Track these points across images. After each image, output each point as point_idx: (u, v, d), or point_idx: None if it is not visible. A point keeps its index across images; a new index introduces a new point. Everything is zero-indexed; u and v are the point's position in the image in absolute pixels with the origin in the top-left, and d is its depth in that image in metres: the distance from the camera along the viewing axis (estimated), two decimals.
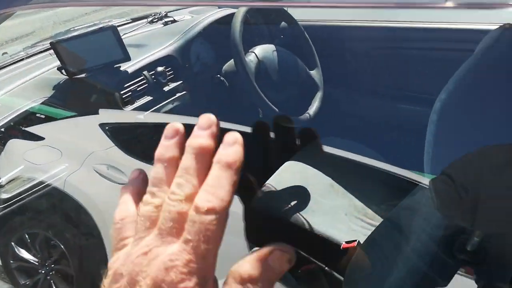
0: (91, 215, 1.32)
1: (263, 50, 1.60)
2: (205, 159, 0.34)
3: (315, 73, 1.79)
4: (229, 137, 0.34)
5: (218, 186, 0.32)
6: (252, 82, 1.49)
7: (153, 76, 1.51)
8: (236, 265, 0.34)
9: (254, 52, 1.57)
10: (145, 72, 1.49)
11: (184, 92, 1.57)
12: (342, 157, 1.39)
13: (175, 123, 0.36)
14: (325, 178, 1.18)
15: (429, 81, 1.85)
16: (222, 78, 1.60)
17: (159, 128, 1.39)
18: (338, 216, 1.09)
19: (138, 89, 1.46)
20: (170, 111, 1.51)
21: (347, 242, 1.02)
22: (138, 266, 0.32)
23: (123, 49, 1.42)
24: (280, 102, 1.60)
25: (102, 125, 1.35)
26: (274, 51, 1.63)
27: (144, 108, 1.45)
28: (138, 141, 1.34)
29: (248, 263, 0.34)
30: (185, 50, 1.62)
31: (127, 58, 1.44)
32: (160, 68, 1.51)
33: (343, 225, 1.07)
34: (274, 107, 1.54)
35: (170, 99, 1.52)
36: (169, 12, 2.05)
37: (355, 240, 1.00)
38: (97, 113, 1.38)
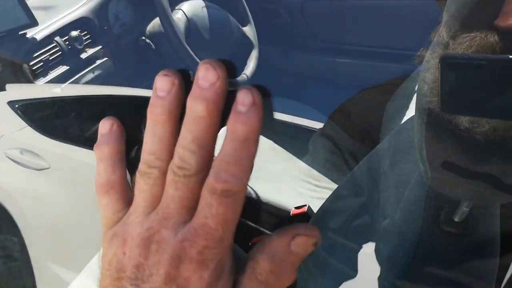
0: (7, 209, 1.16)
1: (191, 7, 1.45)
2: (214, 122, 0.28)
3: (249, 30, 1.67)
4: (244, 96, 0.27)
5: (234, 163, 0.27)
6: (182, 43, 1.34)
7: (67, 42, 1.32)
8: (256, 253, 0.30)
9: (181, 9, 1.42)
10: (57, 38, 1.29)
11: (106, 58, 1.40)
12: (281, 120, 1.32)
13: (168, 70, 0.28)
14: (266, 142, 1.11)
15: (367, 33, 1.82)
16: (147, 41, 1.44)
17: (81, 102, 1.23)
18: (284, 180, 1.03)
19: (50, 58, 1.27)
20: (91, 82, 1.34)
21: (296, 208, 0.97)
22: (145, 252, 0.28)
23: (28, 13, 1.21)
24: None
25: (11, 103, 1.17)
26: (203, 7, 1.49)
27: (60, 80, 1.27)
28: (57, 119, 1.17)
29: (267, 254, 0.30)
30: (102, 10, 1.42)
31: (33, 23, 1.23)
32: (74, 33, 1.32)
33: (290, 189, 1.01)
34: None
35: (90, 67, 1.34)
36: None
37: (305, 205, 0.95)
38: (3, 89, 1.19)
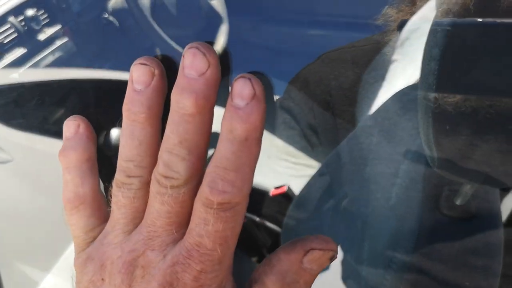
0: None
1: None
2: (205, 120, 0.24)
3: (216, 3, 1.60)
4: (242, 87, 0.22)
5: (233, 169, 0.23)
6: (148, 19, 1.27)
7: (22, 23, 1.22)
8: (262, 275, 0.25)
9: None
10: (11, 19, 1.20)
11: (66, 39, 1.31)
12: None
13: (146, 58, 0.24)
14: None
15: (340, 3, 1.77)
16: (111, 18, 1.36)
17: (42, 87, 1.15)
18: (261, 159, 0.99)
19: (5, 41, 1.18)
20: (52, 65, 1.25)
21: (276, 188, 0.95)
22: (128, 279, 0.23)
23: None
24: (182, 39, 1.41)
25: None
26: None
27: (17, 64, 1.18)
28: (16, 107, 1.09)
29: (276, 276, 0.25)
30: None
31: None
32: (30, 12, 1.23)
33: (268, 168, 0.99)
34: (177, 46, 1.34)
35: (50, 49, 1.26)
36: None
37: (284, 185, 0.94)
38: None
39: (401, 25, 0.70)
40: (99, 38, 1.40)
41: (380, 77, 0.83)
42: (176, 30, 1.40)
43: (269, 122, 0.95)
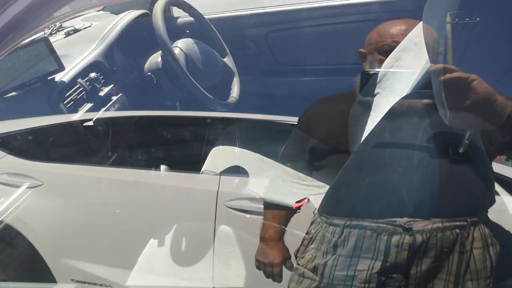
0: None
1: (185, 44, 1.69)
2: None
3: (228, 60, 1.93)
4: None
5: None
6: (186, 73, 1.58)
7: (87, 83, 1.51)
8: None
9: (178, 46, 1.66)
10: (79, 80, 1.48)
11: (120, 94, 1.59)
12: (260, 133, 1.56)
13: None
14: (253, 155, 1.34)
15: (324, 53, 2.14)
16: (152, 76, 1.66)
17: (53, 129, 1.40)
18: (278, 184, 1.26)
19: (78, 97, 1.45)
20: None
21: (297, 202, 1.19)
22: None
23: (57, 60, 1.40)
24: (208, 89, 1.72)
25: None
26: (193, 44, 1.73)
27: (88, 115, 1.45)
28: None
29: None
30: (109, 54, 1.63)
31: (61, 68, 1.42)
32: (93, 74, 1.52)
33: (284, 190, 1.23)
34: (209, 95, 1.65)
35: (110, 103, 1.53)
36: (62, 23, 2.00)
37: (305, 198, 1.17)
38: None
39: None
40: (143, 91, 1.68)
41: (367, 108, 1.13)
42: (203, 82, 1.70)
43: (277, 154, 1.24)
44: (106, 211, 1.41)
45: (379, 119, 1.08)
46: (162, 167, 1.46)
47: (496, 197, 1.07)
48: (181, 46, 1.66)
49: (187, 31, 1.92)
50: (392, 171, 1.05)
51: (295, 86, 2.18)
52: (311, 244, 1.11)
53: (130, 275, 1.44)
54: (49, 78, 1.41)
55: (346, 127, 1.14)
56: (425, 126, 1.07)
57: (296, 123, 1.24)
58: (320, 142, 1.17)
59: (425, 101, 1.00)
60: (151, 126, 1.46)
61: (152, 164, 1.44)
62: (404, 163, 1.06)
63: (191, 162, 1.45)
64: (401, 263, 0.99)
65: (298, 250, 1.12)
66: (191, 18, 1.95)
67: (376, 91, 1.12)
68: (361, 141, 1.11)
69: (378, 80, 1.13)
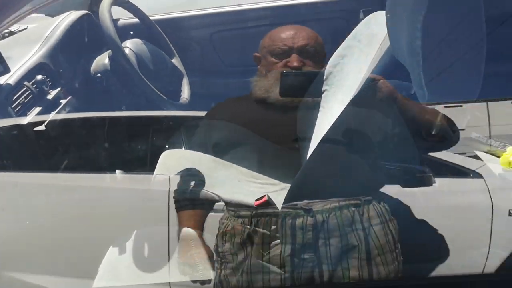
0: None
1: (134, 44, 1.66)
2: None
3: (176, 61, 1.92)
4: None
5: None
6: (139, 74, 1.55)
7: (34, 85, 1.42)
8: None
9: (127, 47, 1.62)
10: (26, 83, 1.39)
11: (69, 97, 1.52)
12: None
13: None
14: (205, 157, 1.35)
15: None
16: (101, 77, 1.60)
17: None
18: (234, 183, 1.29)
19: (26, 101, 1.36)
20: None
21: (257, 200, 1.24)
22: None
23: (2, 61, 1.30)
24: (159, 90, 1.69)
25: None
26: (142, 44, 1.70)
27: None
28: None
29: None
30: (53, 56, 1.55)
31: (6, 70, 1.33)
32: (39, 76, 1.44)
33: (242, 189, 1.26)
34: (162, 95, 1.62)
35: (60, 106, 1.46)
36: None
37: (264, 196, 1.22)
38: None
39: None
40: (92, 93, 1.61)
41: (315, 104, 1.20)
42: (154, 82, 1.67)
43: (230, 154, 1.27)
44: (57, 219, 1.35)
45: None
46: (117, 170, 1.42)
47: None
48: (131, 46, 1.63)
49: (131, 33, 1.88)
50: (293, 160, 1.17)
51: (242, 86, 2.18)
52: (225, 237, 1.18)
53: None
54: None
55: (244, 125, 1.24)
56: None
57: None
58: (221, 137, 1.26)
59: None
60: (102, 127, 1.41)
61: (104, 167, 1.40)
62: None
63: (141, 163, 1.43)
64: (310, 243, 1.11)
65: (216, 245, 1.19)
66: (133, 20, 1.92)
67: (323, 88, 1.19)
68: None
69: (324, 77, 1.20)
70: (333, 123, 1.11)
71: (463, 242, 1.68)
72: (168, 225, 1.35)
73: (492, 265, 1.53)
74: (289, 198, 1.13)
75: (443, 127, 1.24)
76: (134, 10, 1.81)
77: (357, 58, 1.21)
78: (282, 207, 1.12)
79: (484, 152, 1.84)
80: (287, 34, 1.25)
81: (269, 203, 1.17)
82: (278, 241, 1.12)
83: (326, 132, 1.13)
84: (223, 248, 1.17)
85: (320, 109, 1.18)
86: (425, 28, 1.02)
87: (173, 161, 1.35)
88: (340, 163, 1.19)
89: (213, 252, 1.21)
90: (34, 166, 1.32)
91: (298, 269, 1.12)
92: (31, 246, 1.36)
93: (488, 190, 1.79)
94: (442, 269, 1.46)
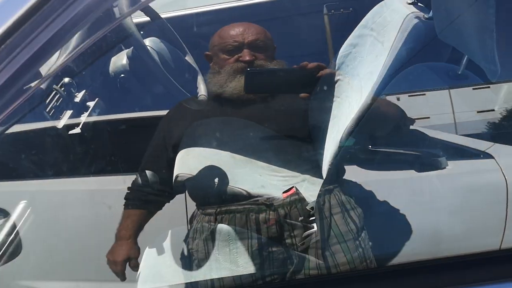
0: None
1: (153, 42, 1.65)
2: None
3: (189, 59, 1.91)
4: None
5: None
6: (163, 71, 1.54)
7: (62, 88, 1.40)
8: None
9: (148, 45, 1.61)
10: (54, 86, 1.37)
11: (97, 99, 1.50)
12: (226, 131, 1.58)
13: None
14: (224, 153, 1.36)
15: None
16: (124, 77, 1.59)
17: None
18: (257, 178, 1.32)
19: (57, 104, 1.34)
20: None
21: (284, 192, 1.26)
22: None
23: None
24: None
25: None
26: (160, 42, 1.69)
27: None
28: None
29: None
30: (76, 57, 1.52)
31: (38, 75, 1.30)
32: (67, 79, 1.42)
33: (266, 183, 1.29)
34: (185, 91, 1.62)
35: (91, 108, 1.44)
36: None
37: (292, 187, 1.25)
38: None
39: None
40: (117, 93, 1.59)
41: (329, 95, 1.23)
42: (175, 79, 1.66)
43: (243, 149, 1.28)
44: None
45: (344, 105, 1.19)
46: None
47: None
48: (150, 44, 1.62)
49: (141, 32, 1.86)
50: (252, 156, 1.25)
51: None
52: (195, 235, 1.22)
53: None
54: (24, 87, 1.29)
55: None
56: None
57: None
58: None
59: (303, 95, 1.19)
60: (134, 128, 1.41)
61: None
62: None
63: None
64: (275, 236, 1.14)
65: (187, 243, 1.23)
66: (143, 19, 1.90)
67: (336, 78, 1.22)
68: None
69: (336, 68, 1.23)
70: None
71: (480, 221, 1.74)
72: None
73: (510, 240, 1.58)
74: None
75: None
76: (147, 9, 1.79)
77: (372, 46, 1.24)
78: (244, 203, 1.16)
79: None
80: (236, 31, 1.30)
81: (297, 194, 1.19)
82: (245, 236, 1.15)
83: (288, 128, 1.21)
84: (192, 245, 1.21)
85: (335, 99, 1.21)
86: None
87: (193, 160, 1.35)
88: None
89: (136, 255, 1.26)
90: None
91: (266, 263, 1.15)
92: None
93: (501, 169, 1.85)
94: (461, 249, 1.51)
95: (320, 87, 1.22)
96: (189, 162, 1.34)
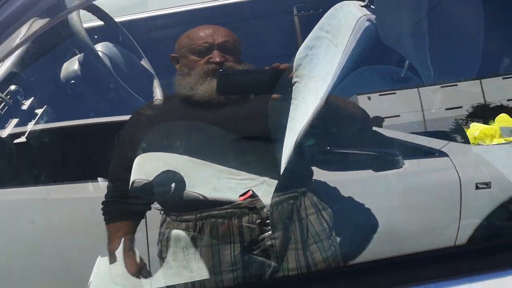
0: None
1: (105, 47, 1.61)
2: None
3: (145, 63, 1.87)
4: None
5: None
6: (115, 77, 1.51)
7: (8, 96, 1.35)
8: None
9: (100, 50, 1.57)
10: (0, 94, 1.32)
11: (45, 106, 1.46)
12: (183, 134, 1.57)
13: None
14: (182, 157, 1.35)
15: None
16: (74, 83, 1.55)
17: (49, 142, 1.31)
18: (215, 182, 1.31)
19: (1, 113, 1.29)
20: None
21: (241, 195, 1.26)
22: None
23: None
24: (134, 92, 1.65)
25: None
26: (113, 47, 1.66)
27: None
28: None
29: None
30: (23, 64, 1.48)
31: None
32: (13, 87, 1.37)
33: (223, 186, 1.28)
34: (139, 97, 1.59)
35: (38, 116, 1.40)
36: None
37: (248, 190, 1.25)
38: None
39: None
40: (68, 100, 1.54)
41: (287, 97, 1.24)
42: (129, 85, 1.63)
43: (202, 152, 1.27)
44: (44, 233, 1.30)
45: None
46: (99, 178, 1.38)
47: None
48: (103, 49, 1.58)
49: (95, 37, 1.82)
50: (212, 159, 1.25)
51: None
52: (169, 243, 1.20)
53: None
54: None
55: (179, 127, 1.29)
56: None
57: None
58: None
59: (274, 96, 1.19)
60: (83, 135, 1.37)
61: (88, 175, 1.36)
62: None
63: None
64: (257, 239, 1.15)
65: (160, 252, 1.21)
66: (97, 23, 1.86)
67: (294, 80, 1.23)
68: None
69: (294, 69, 1.24)
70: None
71: (436, 218, 1.78)
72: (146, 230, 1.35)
73: (463, 237, 1.63)
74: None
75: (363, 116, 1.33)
76: (100, 12, 1.75)
77: (327, 48, 1.25)
78: (227, 208, 1.15)
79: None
80: (206, 33, 1.29)
81: (253, 196, 1.19)
82: (227, 239, 1.15)
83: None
84: (166, 253, 1.19)
85: (292, 101, 1.22)
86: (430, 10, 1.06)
87: (150, 165, 1.33)
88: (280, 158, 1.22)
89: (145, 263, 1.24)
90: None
91: (249, 267, 1.15)
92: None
93: (455, 167, 1.91)
94: (416, 246, 1.55)
95: (278, 89, 1.23)
96: (145, 167, 1.32)
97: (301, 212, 1.20)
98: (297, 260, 1.16)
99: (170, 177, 1.27)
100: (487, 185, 1.79)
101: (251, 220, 1.14)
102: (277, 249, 1.15)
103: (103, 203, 1.29)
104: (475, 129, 1.79)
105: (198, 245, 1.15)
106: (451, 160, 1.96)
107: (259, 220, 1.15)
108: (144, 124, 1.31)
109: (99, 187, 1.40)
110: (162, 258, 1.20)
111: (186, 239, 1.17)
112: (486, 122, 1.84)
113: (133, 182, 1.26)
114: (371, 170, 1.55)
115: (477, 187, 1.81)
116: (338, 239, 1.27)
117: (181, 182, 1.27)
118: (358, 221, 1.56)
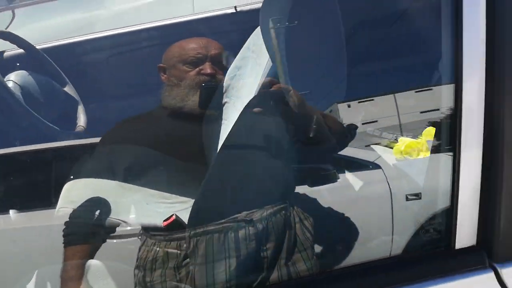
0: None
1: (19, 76, 1.59)
2: None
3: (69, 89, 1.86)
4: None
5: None
6: (25, 107, 1.49)
7: None
8: None
9: (11, 80, 1.55)
10: None
11: None
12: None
13: None
14: (110, 182, 1.34)
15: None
16: None
17: None
18: (142, 207, 1.30)
19: None
20: None
21: (165, 220, 1.25)
22: None
23: None
24: (52, 121, 1.63)
25: None
26: (28, 75, 1.64)
27: None
28: None
29: None
30: None
31: None
32: None
33: (150, 212, 1.27)
34: (54, 126, 1.57)
35: None
36: None
37: (172, 215, 1.25)
38: None
39: None
40: None
41: (217, 117, 1.24)
42: (45, 114, 1.61)
43: (138, 178, 1.26)
44: None
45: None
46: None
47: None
48: (14, 79, 1.56)
49: (17, 64, 1.81)
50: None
51: (143, 107, 2.16)
52: (155, 265, 1.18)
53: None
54: None
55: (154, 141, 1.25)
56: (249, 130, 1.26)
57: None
58: (127, 161, 1.25)
59: (256, 109, 1.18)
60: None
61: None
62: (235, 165, 1.24)
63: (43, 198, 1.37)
64: (252, 252, 1.15)
65: (142, 276, 1.18)
66: (19, 51, 1.84)
67: (224, 100, 1.23)
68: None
69: (224, 90, 1.23)
70: (235, 132, 1.15)
71: (371, 230, 1.78)
72: None
73: (399, 247, 1.63)
74: (228, 213, 1.16)
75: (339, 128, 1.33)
76: (17, 40, 1.74)
77: (252, 68, 1.25)
78: (223, 222, 1.14)
79: (378, 144, 1.98)
80: (199, 44, 1.27)
81: (177, 221, 1.18)
82: (222, 255, 1.13)
83: (235, 143, 1.18)
84: (151, 277, 1.16)
85: (223, 121, 1.21)
86: (287, 40, 1.08)
87: (77, 192, 1.31)
88: (270, 170, 1.25)
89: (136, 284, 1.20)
90: None
91: (243, 280, 1.16)
92: None
93: (386, 179, 1.92)
94: (355, 258, 1.55)
95: (211, 108, 1.22)
96: (71, 194, 1.30)
97: (291, 223, 1.22)
98: (279, 270, 1.18)
99: (96, 204, 1.25)
100: (417, 196, 1.80)
101: (247, 233, 1.14)
102: (269, 259, 1.16)
103: (65, 223, 1.24)
104: (402, 143, 1.80)
105: (192, 263, 1.14)
106: (384, 172, 1.97)
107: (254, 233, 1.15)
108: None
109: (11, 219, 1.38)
110: (145, 283, 1.17)
111: (179, 258, 1.16)
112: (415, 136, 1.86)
113: (58, 210, 1.24)
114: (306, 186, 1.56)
115: (407, 199, 1.82)
116: None
117: (106, 209, 1.25)
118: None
